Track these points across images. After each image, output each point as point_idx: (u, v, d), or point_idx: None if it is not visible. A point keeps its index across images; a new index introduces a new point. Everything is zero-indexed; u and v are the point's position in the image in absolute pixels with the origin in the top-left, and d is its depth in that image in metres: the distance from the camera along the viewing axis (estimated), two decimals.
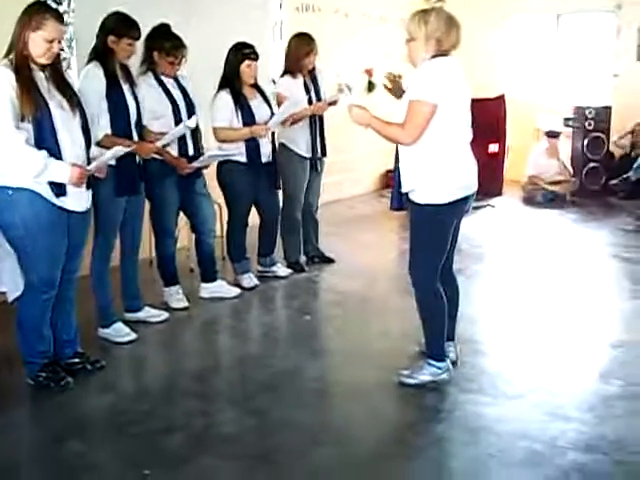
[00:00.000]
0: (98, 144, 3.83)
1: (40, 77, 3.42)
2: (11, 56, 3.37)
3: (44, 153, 3.34)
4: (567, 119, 9.04)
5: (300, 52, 5.44)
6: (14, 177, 3.37)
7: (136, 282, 4.57)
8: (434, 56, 3.42)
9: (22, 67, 3.34)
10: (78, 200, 3.55)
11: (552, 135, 8.76)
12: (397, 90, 3.88)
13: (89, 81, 4.02)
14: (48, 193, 3.42)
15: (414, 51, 3.50)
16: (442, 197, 3.44)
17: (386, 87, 3.96)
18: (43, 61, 3.42)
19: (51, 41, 3.39)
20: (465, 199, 3.52)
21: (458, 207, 3.50)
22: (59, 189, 3.42)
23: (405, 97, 3.50)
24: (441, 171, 3.43)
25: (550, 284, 5.43)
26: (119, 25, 4.13)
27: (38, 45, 3.36)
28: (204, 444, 3.16)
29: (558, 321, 4.63)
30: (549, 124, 9.08)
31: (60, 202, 3.47)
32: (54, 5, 4.94)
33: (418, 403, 3.51)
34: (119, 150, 3.64)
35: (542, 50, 10.08)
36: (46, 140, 3.36)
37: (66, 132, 3.44)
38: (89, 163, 3.56)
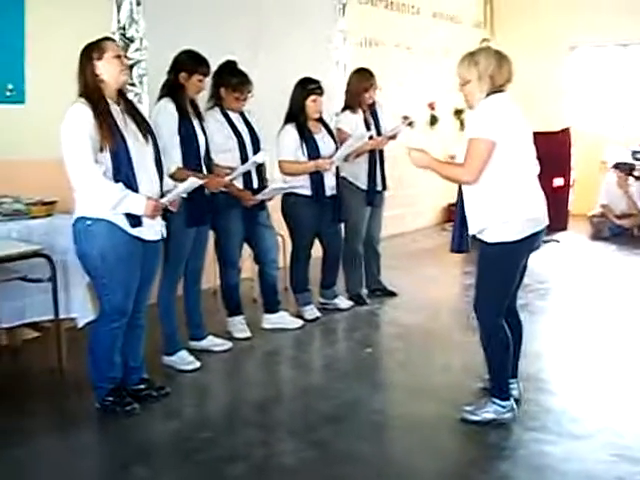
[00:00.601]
0: (171, 177, 3.92)
1: (116, 110, 3.53)
2: (84, 95, 3.47)
3: (120, 186, 3.43)
4: (635, 152, 8.89)
5: (360, 87, 5.52)
6: (92, 208, 3.47)
7: (199, 311, 4.64)
8: (489, 94, 3.44)
9: (98, 101, 3.45)
10: (153, 230, 3.64)
11: (621, 168, 8.60)
12: None
13: (162, 116, 4.14)
14: (125, 224, 3.50)
15: (470, 94, 3.51)
16: (511, 234, 3.40)
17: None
18: (122, 79, 3.56)
19: (119, 57, 3.54)
20: (534, 235, 3.47)
21: (527, 243, 3.45)
22: (135, 220, 3.51)
23: (464, 136, 3.51)
24: (508, 208, 3.39)
25: (617, 321, 5.32)
26: (190, 62, 4.27)
27: (111, 65, 3.49)
28: (266, 474, 3.18)
29: (625, 360, 4.52)
30: (616, 156, 8.94)
31: (136, 232, 3.55)
32: (126, 42, 5.20)
33: (481, 440, 3.46)
34: (193, 182, 3.70)
35: (609, 81, 9.98)
36: (122, 171, 3.45)
37: (141, 164, 3.53)
38: (162, 194, 3.65)
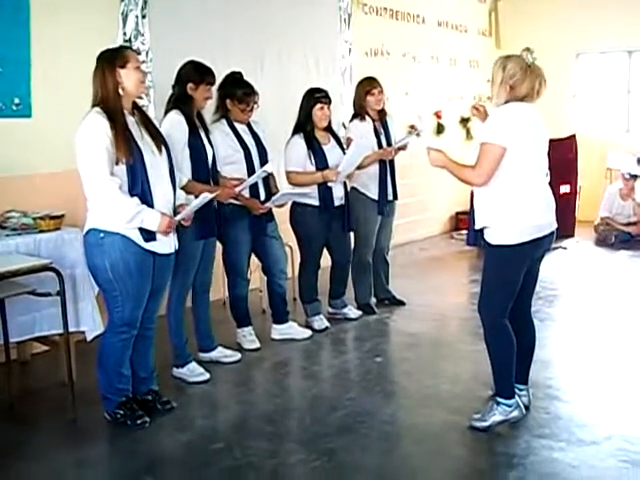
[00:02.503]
0: (182, 189, 3.91)
1: (132, 122, 3.51)
2: (101, 105, 3.43)
3: (136, 200, 3.42)
4: None
5: (362, 92, 5.56)
6: (106, 221, 3.46)
7: (208, 322, 4.66)
8: (508, 101, 3.47)
9: (116, 112, 3.42)
10: (166, 244, 3.63)
11: (630, 177, 8.59)
12: (484, 115, 3.94)
13: (173, 129, 4.10)
14: (138, 238, 3.50)
15: (492, 93, 3.57)
16: (511, 238, 3.45)
17: (474, 113, 4.05)
18: (141, 90, 3.60)
19: (139, 67, 3.54)
20: (538, 240, 3.49)
21: (529, 249, 3.48)
22: (148, 234, 3.50)
23: (476, 140, 3.55)
24: (510, 212, 3.45)
25: (625, 327, 5.32)
26: (196, 72, 4.27)
27: (132, 76, 3.47)
28: None
29: (634, 366, 4.52)
30: (624, 165, 8.93)
31: (150, 246, 3.55)
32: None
33: (490, 448, 3.46)
34: (206, 197, 3.69)
35: (614, 88, 9.99)
36: (138, 185, 3.43)
37: (156, 177, 3.52)
38: (175, 207, 3.65)
